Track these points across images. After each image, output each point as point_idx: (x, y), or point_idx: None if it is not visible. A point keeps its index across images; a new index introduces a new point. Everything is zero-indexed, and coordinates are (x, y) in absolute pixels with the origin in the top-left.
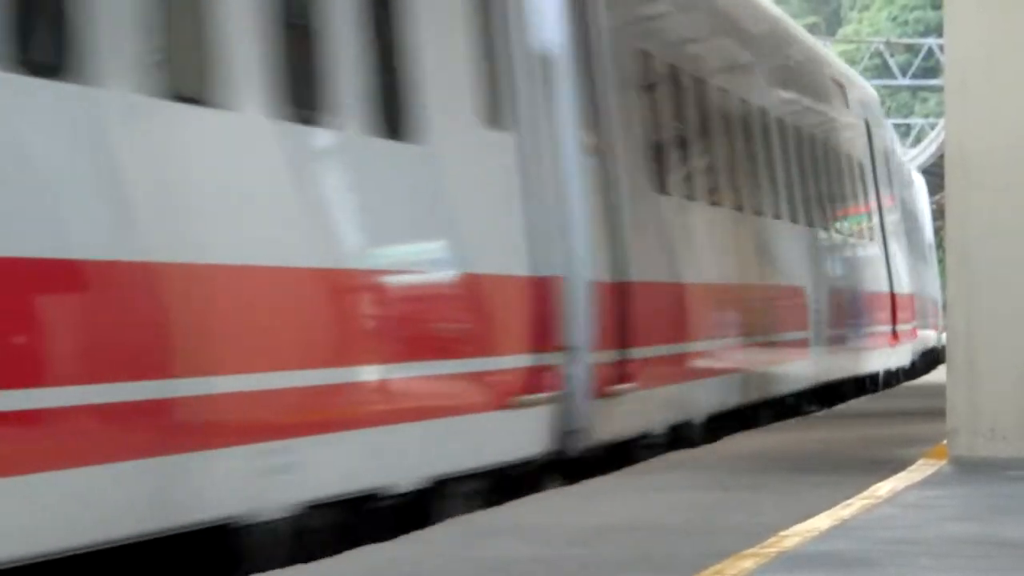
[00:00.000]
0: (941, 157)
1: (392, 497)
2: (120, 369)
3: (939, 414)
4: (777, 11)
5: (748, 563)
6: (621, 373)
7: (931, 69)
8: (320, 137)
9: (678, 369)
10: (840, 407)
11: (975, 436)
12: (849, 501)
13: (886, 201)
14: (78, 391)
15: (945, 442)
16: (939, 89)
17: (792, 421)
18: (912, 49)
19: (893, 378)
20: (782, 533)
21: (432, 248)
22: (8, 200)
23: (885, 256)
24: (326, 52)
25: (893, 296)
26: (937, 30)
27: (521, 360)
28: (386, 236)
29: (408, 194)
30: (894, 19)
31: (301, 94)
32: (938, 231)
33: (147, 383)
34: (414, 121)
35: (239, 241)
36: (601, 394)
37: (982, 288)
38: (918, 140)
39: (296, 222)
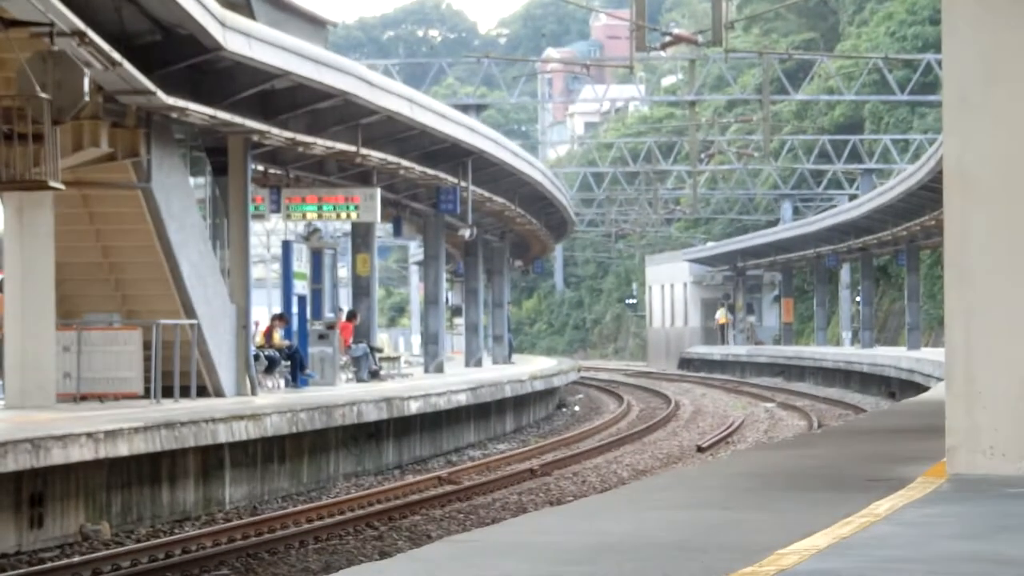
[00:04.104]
0: (940, 173)
1: None
2: None
3: (939, 432)
4: None
5: None
6: None
7: (930, 85)
8: None
9: None
10: (840, 425)
11: (974, 454)
12: (848, 519)
13: None
14: None
15: (945, 460)
16: (937, 105)
17: (791, 438)
18: (911, 65)
19: None
20: (780, 551)
21: None
22: None
23: None
24: None
25: None
26: (936, 46)
27: None
28: None
29: None
30: (892, 34)
31: None
32: (936, 247)
33: None
34: None
35: None
36: None
37: (981, 304)
38: (916, 156)
39: None
